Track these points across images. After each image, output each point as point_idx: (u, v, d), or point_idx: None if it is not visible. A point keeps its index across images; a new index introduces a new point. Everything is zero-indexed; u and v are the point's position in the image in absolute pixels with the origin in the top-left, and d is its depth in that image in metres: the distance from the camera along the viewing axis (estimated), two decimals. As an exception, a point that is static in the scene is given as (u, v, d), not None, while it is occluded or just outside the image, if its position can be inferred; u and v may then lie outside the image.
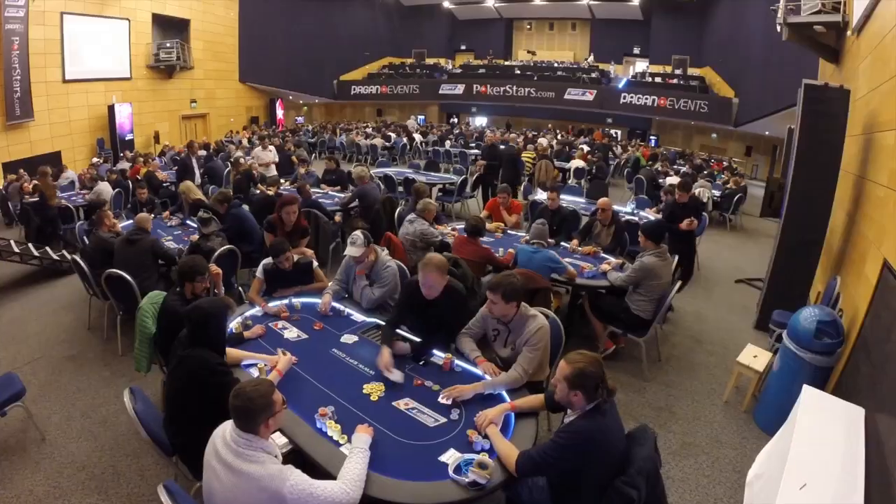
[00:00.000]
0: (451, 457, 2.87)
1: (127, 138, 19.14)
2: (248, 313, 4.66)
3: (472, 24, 33.93)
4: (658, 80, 26.60)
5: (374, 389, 3.55)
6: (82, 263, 6.14)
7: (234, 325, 4.37)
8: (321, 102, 32.66)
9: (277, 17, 27.07)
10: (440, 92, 29.87)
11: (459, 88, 29.23)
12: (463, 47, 34.70)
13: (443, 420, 3.23)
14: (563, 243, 7.16)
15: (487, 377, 3.63)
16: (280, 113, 29.79)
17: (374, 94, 31.52)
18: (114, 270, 5.63)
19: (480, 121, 31.67)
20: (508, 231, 7.91)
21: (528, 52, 32.54)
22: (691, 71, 27.46)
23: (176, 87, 22.56)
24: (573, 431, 2.72)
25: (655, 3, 27.53)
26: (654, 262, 5.54)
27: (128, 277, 5.58)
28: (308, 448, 2.94)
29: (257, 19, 26.27)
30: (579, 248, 6.97)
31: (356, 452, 2.74)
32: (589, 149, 18.43)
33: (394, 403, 3.41)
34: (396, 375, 3.63)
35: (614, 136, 26.62)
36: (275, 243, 5.22)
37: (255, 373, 3.64)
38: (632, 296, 5.68)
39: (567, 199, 10.35)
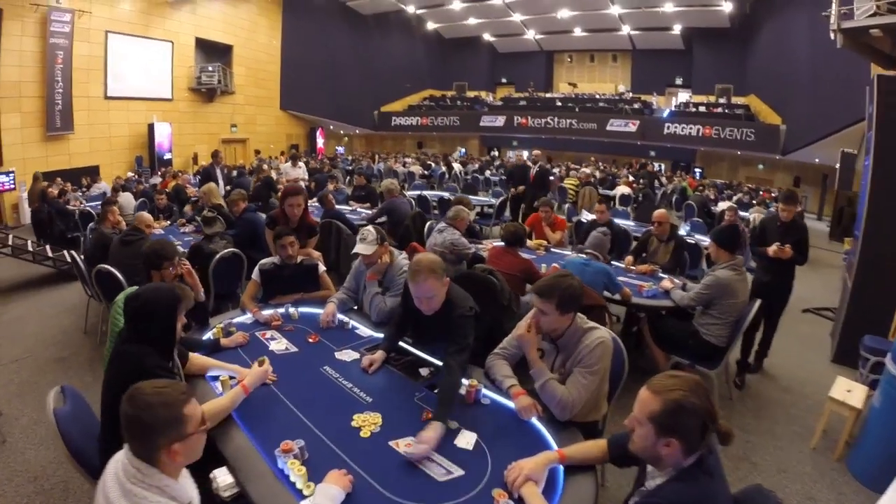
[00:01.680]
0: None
1: (165, 157, 18.79)
2: (235, 319, 3.85)
3: (512, 57, 33.32)
4: (702, 108, 25.48)
5: (366, 422, 2.55)
6: (79, 260, 5.79)
7: (212, 330, 3.58)
8: (362, 133, 32.32)
9: (319, 47, 26.80)
10: (481, 124, 29.19)
11: (500, 120, 28.49)
12: (504, 80, 34.08)
13: (458, 473, 2.21)
14: (614, 262, 6.01)
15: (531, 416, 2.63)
16: (320, 142, 29.38)
17: (415, 125, 31.00)
18: (104, 266, 5.13)
19: (525, 153, 30.84)
20: (551, 249, 6.86)
21: (569, 84, 31.74)
22: (735, 100, 26.14)
23: (216, 111, 22.28)
24: None
25: (696, 31, 26.39)
26: (729, 276, 4.46)
27: (118, 275, 5.01)
28: (256, 496, 2.06)
29: (299, 48, 26.05)
30: (633, 267, 5.90)
31: None
32: (633, 178, 17.40)
33: (391, 443, 2.39)
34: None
35: (658, 169, 25.45)
36: (277, 229, 4.48)
37: (217, 387, 2.86)
38: (702, 318, 4.60)
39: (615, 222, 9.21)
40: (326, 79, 27.37)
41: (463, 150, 30.98)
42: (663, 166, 26.55)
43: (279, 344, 3.49)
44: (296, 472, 2.10)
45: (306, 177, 12.60)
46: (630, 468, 2.17)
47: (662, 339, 4.79)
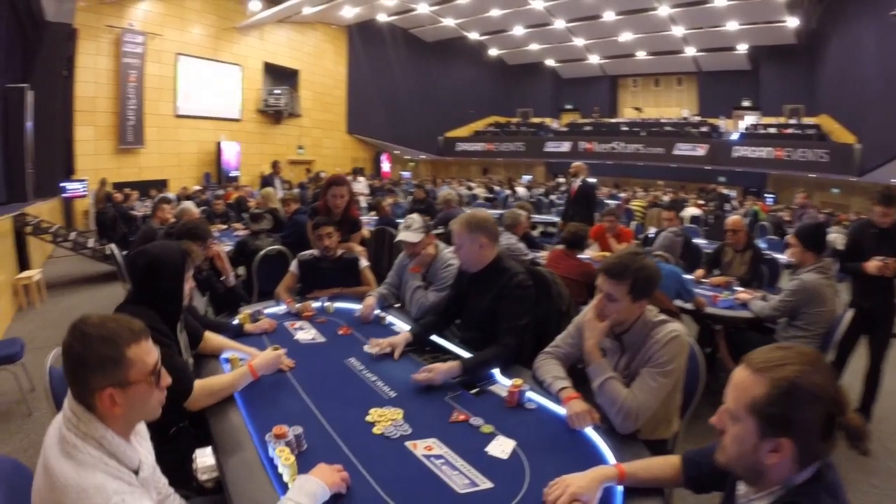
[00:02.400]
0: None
1: (231, 174, 18.96)
2: (266, 309, 3.53)
3: (576, 83, 32.56)
4: (772, 130, 24.20)
5: (383, 417, 2.11)
6: (117, 253, 5.74)
7: (240, 315, 3.28)
8: (428, 159, 32.18)
9: (384, 72, 26.86)
10: (546, 150, 28.56)
11: (565, 146, 27.77)
12: (568, 106, 33.25)
13: (484, 485, 1.71)
14: (685, 276, 5.32)
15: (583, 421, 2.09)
16: (386, 166, 29.33)
17: (480, 151, 30.61)
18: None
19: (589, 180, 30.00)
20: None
21: (635, 108, 30.90)
22: (806, 120, 24.51)
23: (283, 133, 22.47)
24: None
25: (762, 50, 24.93)
26: (816, 280, 3.79)
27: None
28: (232, 483, 1.71)
29: (365, 74, 26.13)
30: (706, 280, 5.27)
31: None
32: (703, 201, 16.56)
33: (407, 444, 1.93)
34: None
35: (730, 196, 24.30)
36: (316, 219, 4.19)
37: (228, 368, 2.61)
38: (786, 331, 3.93)
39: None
40: (392, 104, 27.42)
41: (529, 176, 30.40)
42: (734, 193, 25.39)
43: (306, 334, 3.15)
44: (283, 462, 1.71)
45: (367, 191, 12.46)
46: (710, 494, 1.66)
47: (741, 356, 4.11)
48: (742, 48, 24.84)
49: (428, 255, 3.60)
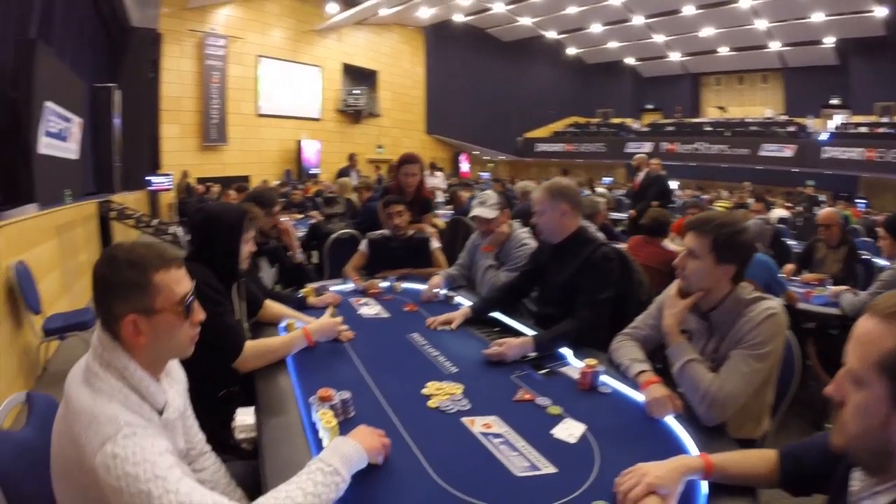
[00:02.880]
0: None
1: (311, 171, 19.22)
2: (333, 287, 3.42)
3: (657, 82, 31.37)
4: (864, 129, 22.47)
5: (440, 391, 1.94)
6: (180, 234, 5.57)
7: (304, 290, 3.19)
8: (507, 159, 31.81)
9: (462, 73, 26.68)
10: (626, 150, 27.04)
11: (647, 147, 26.26)
12: (649, 106, 32.04)
13: (546, 469, 1.49)
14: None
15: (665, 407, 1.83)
16: (465, 166, 29.07)
17: (560, 152, 29.74)
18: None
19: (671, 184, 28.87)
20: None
21: (718, 108, 29.58)
22: None
23: (363, 132, 22.69)
24: None
25: (851, 43, 22.92)
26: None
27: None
28: (269, 444, 1.59)
29: (443, 75, 26.06)
30: (796, 278, 4.82)
31: (313, 472, 1.28)
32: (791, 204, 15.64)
33: (464, 420, 1.74)
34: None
35: (819, 199, 22.89)
36: (386, 198, 4.05)
37: (284, 335, 2.47)
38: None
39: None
40: (470, 104, 27.22)
41: (610, 179, 29.57)
42: (823, 198, 23.94)
43: (370, 309, 3.04)
44: (324, 425, 1.57)
45: (444, 186, 12.39)
46: (810, 497, 1.39)
47: (832, 364, 3.71)
48: (829, 41, 23.16)
49: (502, 233, 3.44)
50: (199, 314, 1.40)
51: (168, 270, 1.31)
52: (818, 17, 20.65)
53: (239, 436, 1.72)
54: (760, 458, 1.45)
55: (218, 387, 2.20)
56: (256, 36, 17.63)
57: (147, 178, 11.24)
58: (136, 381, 1.26)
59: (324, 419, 1.57)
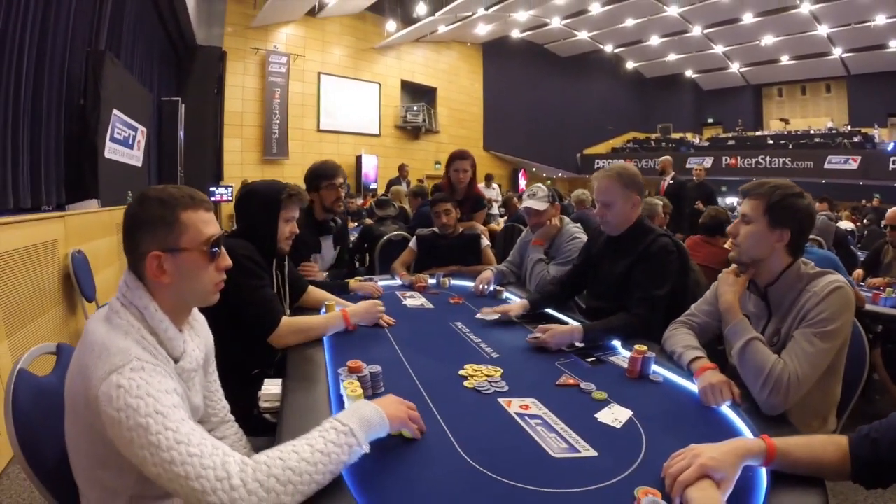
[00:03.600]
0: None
1: (371, 186, 19.34)
2: (381, 282, 3.27)
3: (718, 95, 30.70)
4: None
5: (478, 372, 1.82)
6: None
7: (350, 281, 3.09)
8: (566, 176, 31.35)
9: (520, 89, 26.52)
10: (687, 166, 26.59)
11: (707, 162, 25.42)
12: (710, 120, 31.39)
13: (586, 452, 1.35)
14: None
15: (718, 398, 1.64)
16: (522, 183, 28.70)
17: (620, 169, 29.34)
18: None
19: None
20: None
21: (781, 120, 28.52)
22: None
23: (421, 148, 22.80)
24: None
25: None
26: None
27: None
28: (290, 412, 1.51)
29: (500, 91, 25.96)
30: (864, 283, 4.49)
31: (326, 430, 1.18)
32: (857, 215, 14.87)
33: (501, 400, 1.61)
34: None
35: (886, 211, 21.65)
36: (435, 196, 4.02)
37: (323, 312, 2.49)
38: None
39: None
40: (528, 121, 27.00)
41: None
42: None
43: (415, 301, 2.96)
44: (349, 394, 1.49)
45: (499, 198, 12.34)
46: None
47: None
48: (894, 45, 21.96)
49: (553, 227, 3.32)
50: (226, 260, 1.37)
51: (196, 211, 1.30)
52: (881, 19, 19.51)
53: (263, 405, 1.68)
54: (830, 443, 1.26)
55: (252, 364, 2.18)
56: (317, 54, 18.01)
57: (209, 188, 11.48)
58: (154, 322, 1.24)
59: (349, 388, 1.49)
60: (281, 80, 16.59)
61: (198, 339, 1.45)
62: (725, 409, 1.62)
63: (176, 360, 1.29)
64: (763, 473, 1.25)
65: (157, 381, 1.11)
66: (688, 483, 1.12)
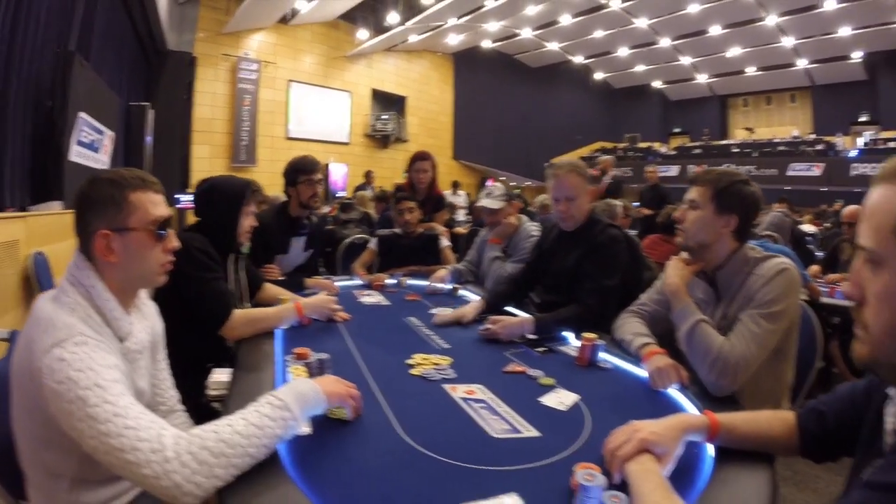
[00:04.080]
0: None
1: (339, 195, 19.18)
2: (340, 282, 3.23)
3: (684, 105, 31.19)
4: (893, 144, 21.54)
5: (426, 361, 1.80)
6: None
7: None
8: (533, 185, 31.58)
9: (490, 99, 26.69)
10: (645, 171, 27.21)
11: (674, 170, 25.88)
12: (677, 130, 31.75)
13: (528, 433, 1.34)
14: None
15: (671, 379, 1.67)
16: (491, 191, 29.08)
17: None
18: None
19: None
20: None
21: (746, 129, 29.02)
22: None
23: (390, 157, 22.58)
24: None
25: (880, 57, 22.41)
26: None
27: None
28: (236, 397, 1.49)
29: (471, 101, 26.05)
30: (821, 279, 4.57)
31: (261, 404, 1.16)
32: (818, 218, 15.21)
33: (446, 386, 1.60)
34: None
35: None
36: (398, 195, 4.01)
37: None
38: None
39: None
40: (497, 130, 27.13)
41: (636, 203, 29.15)
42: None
43: (371, 298, 2.92)
44: (294, 378, 1.48)
45: (465, 204, 12.34)
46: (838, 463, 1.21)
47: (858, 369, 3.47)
48: (857, 56, 22.63)
49: (510, 225, 3.33)
50: (173, 242, 1.38)
51: (146, 192, 1.32)
52: (845, 31, 20.09)
53: (211, 392, 1.70)
54: (777, 418, 1.27)
55: (206, 358, 2.15)
56: (288, 61, 17.91)
57: (176, 195, 11.34)
58: (101, 301, 1.25)
59: (295, 374, 1.50)
60: (251, 87, 16.47)
61: (145, 321, 1.45)
62: (674, 393, 1.63)
63: (121, 341, 1.29)
64: (710, 450, 1.24)
65: (100, 356, 1.12)
66: (627, 457, 1.11)
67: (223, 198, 2.25)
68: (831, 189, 22.06)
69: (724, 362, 1.59)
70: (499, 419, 1.39)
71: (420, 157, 4.39)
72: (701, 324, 1.70)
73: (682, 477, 1.11)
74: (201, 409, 1.72)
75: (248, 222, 2.30)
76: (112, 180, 1.28)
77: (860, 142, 23.61)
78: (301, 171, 3.26)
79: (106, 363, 1.12)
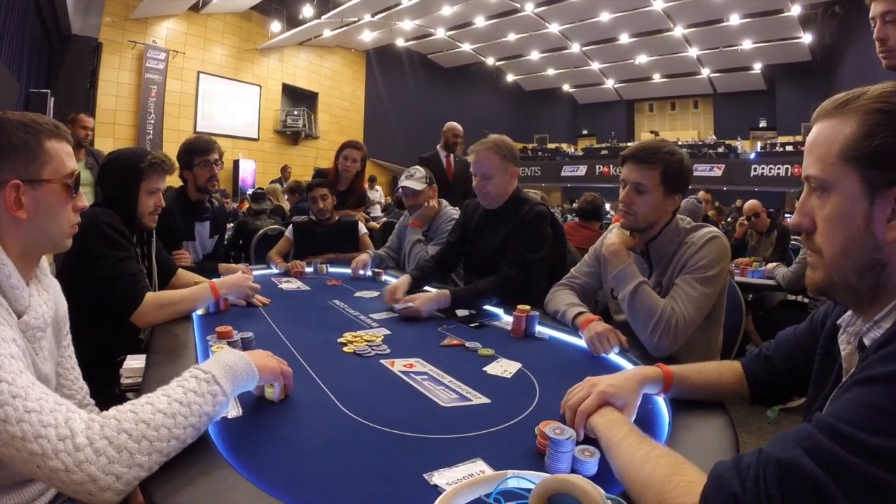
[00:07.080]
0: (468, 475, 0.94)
1: (248, 192, 18.64)
2: (256, 271, 3.05)
3: (593, 109, 32.27)
4: (790, 148, 23.40)
5: (357, 339, 1.69)
6: None
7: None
8: (446, 183, 31.89)
9: (402, 98, 26.73)
10: (562, 174, 28.11)
11: (581, 170, 27.37)
12: (585, 132, 32.97)
13: (478, 400, 1.28)
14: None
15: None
16: (402, 189, 29.07)
17: (495, 176, 30.07)
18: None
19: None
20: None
21: (651, 132, 30.26)
22: None
23: (300, 154, 22.18)
24: None
25: (778, 69, 24.21)
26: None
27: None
28: (152, 383, 1.27)
29: (383, 99, 26.03)
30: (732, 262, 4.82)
31: (186, 378, 1.03)
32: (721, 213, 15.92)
33: (384, 361, 1.51)
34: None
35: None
36: (313, 181, 3.84)
37: None
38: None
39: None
40: (409, 129, 26.97)
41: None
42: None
43: (291, 285, 2.75)
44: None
45: (382, 200, 12.21)
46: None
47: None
48: (757, 67, 24.31)
49: (431, 208, 3.26)
50: (83, 201, 1.23)
51: (61, 141, 1.16)
52: (747, 44, 21.47)
53: (125, 381, 1.54)
54: (725, 367, 1.30)
55: (117, 350, 1.95)
56: (198, 51, 17.18)
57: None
58: (6, 272, 1.06)
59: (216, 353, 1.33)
60: (158, 78, 15.63)
61: (46, 294, 1.25)
62: (614, 357, 1.63)
63: (19, 315, 1.10)
64: (664, 404, 1.25)
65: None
66: (589, 412, 1.08)
67: (119, 173, 2.05)
68: (732, 189, 23.40)
69: (667, 324, 1.61)
70: (445, 389, 1.32)
71: (350, 146, 4.21)
72: (643, 285, 1.71)
73: (644, 429, 1.07)
74: (114, 400, 1.54)
75: (152, 202, 2.09)
76: (25, 125, 1.10)
77: (759, 145, 25.25)
78: (195, 153, 2.98)
79: (2, 336, 0.94)
